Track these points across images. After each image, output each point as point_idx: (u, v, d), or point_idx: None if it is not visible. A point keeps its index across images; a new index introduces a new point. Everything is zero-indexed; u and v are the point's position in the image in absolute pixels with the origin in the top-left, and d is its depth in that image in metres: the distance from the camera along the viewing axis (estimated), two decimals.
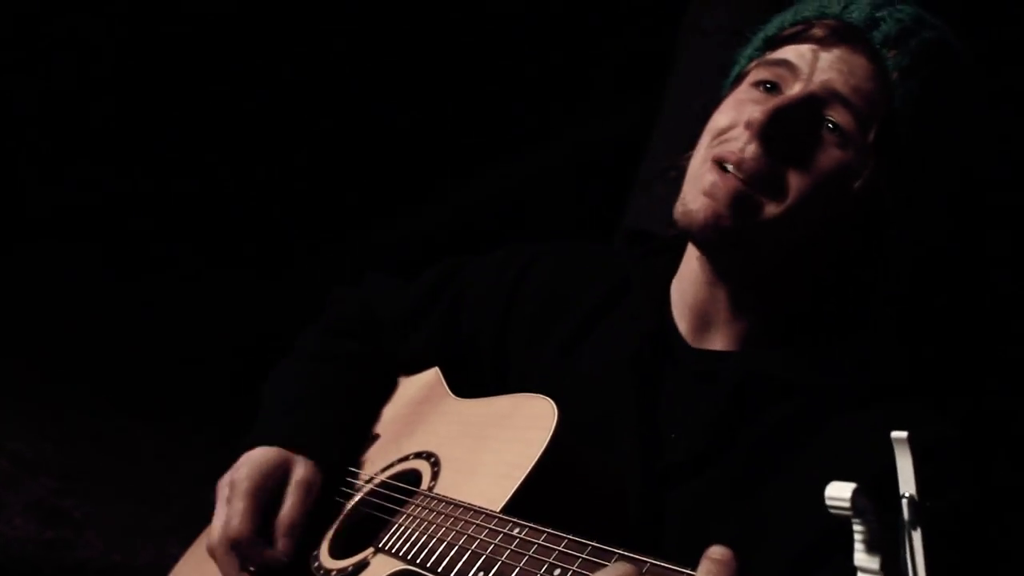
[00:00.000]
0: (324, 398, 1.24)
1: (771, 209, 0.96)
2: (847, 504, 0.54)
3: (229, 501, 1.10)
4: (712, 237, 0.97)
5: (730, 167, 0.96)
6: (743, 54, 1.09)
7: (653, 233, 1.12)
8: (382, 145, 3.80)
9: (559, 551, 0.74)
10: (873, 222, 0.99)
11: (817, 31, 0.99)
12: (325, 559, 1.04)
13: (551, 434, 0.91)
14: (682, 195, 1.00)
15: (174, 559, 1.33)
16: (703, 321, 1.07)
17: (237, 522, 1.08)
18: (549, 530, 0.77)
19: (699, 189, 0.97)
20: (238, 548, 1.07)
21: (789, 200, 0.95)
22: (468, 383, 1.19)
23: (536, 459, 0.89)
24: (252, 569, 1.08)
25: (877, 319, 1.06)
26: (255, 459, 1.14)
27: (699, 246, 1.02)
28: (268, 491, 1.11)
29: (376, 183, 3.78)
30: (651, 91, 2.84)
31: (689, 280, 1.09)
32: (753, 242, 0.97)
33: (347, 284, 1.46)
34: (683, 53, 2.69)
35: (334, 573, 0.99)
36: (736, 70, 1.09)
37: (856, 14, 0.98)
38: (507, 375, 1.20)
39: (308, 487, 1.12)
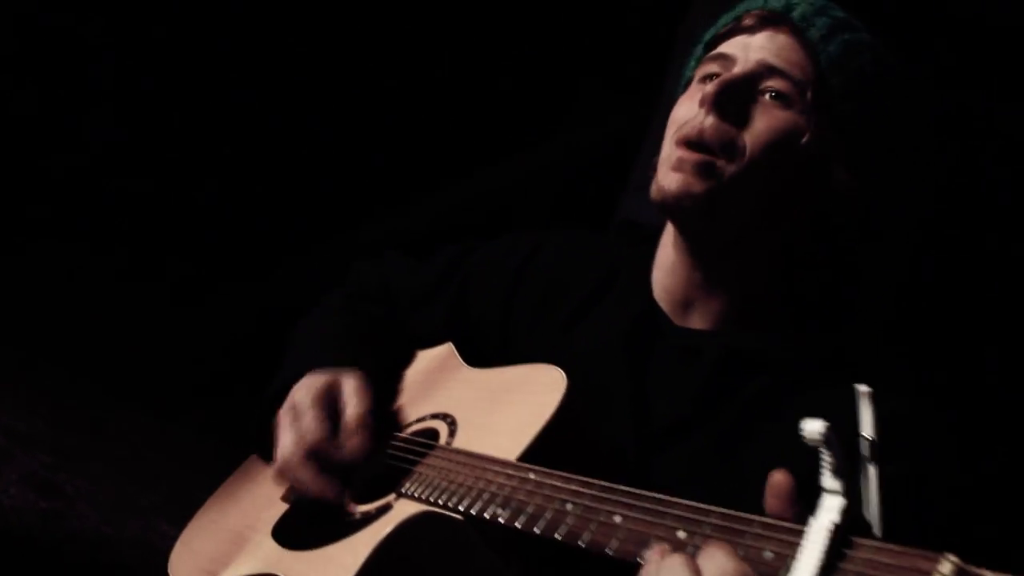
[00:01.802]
0: (357, 339, 1.35)
1: (732, 169, 1.10)
2: (819, 436, 0.66)
3: (296, 419, 1.18)
4: (685, 203, 1.11)
5: (693, 141, 1.10)
6: (689, 65, 1.26)
7: (640, 224, 1.25)
8: (371, 145, 3.86)
9: (569, 489, 0.85)
10: (824, 191, 1.13)
11: (746, 23, 1.16)
12: (348, 502, 1.15)
13: (562, 397, 1.02)
14: (656, 178, 1.15)
15: (162, 535, 1.39)
16: (683, 302, 1.20)
17: (312, 429, 1.15)
18: (561, 473, 0.88)
19: (668, 167, 1.12)
20: (316, 454, 1.14)
21: (747, 158, 1.10)
22: (477, 358, 1.31)
23: (548, 418, 1.00)
24: (329, 476, 1.13)
25: (844, 300, 1.19)
26: (308, 383, 1.22)
27: (673, 216, 1.16)
28: (329, 405, 1.19)
29: (365, 183, 3.83)
30: (645, 94, 2.96)
31: (666, 267, 1.23)
32: (720, 205, 1.11)
33: (367, 258, 1.58)
34: (679, 60, 2.80)
35: (358, 515, 1.09)
36: (685, 77, 1.26)
37: (775, 2, 1.16)
38: (510, 353, 1.31)
39: (365, 391, 1.20)
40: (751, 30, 1.15)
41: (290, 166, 4.02)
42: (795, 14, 1.13)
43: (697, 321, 1.20)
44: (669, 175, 1.11)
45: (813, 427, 0.67)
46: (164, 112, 3.95)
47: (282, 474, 1.17)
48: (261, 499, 1.34)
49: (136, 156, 4.03)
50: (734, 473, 1.04)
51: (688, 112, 1.14)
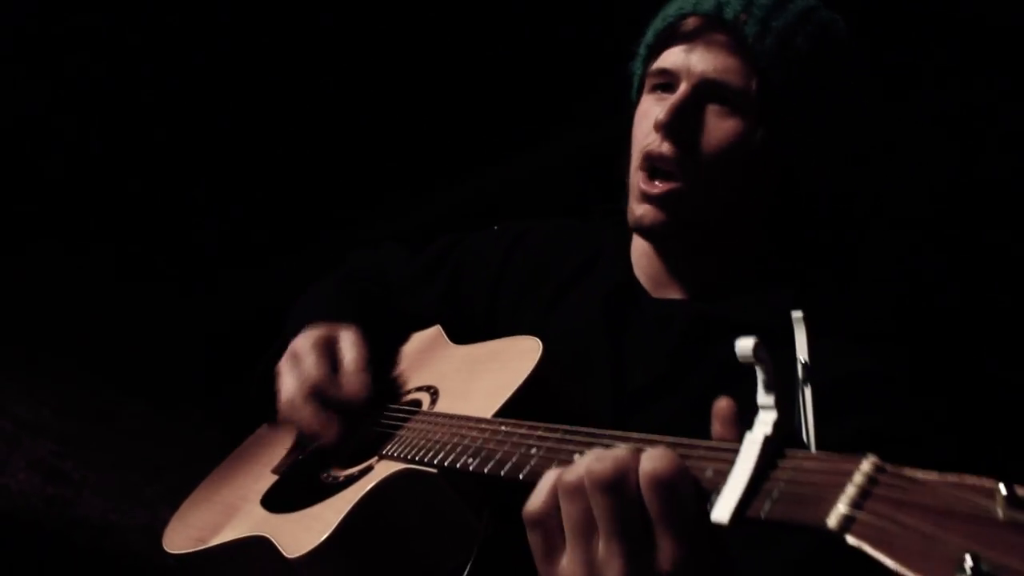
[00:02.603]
0: (352, 302, 1.40)
1: (693, 185, 1.16)
2: (750, 353, 0.69)
3: (296, 364, 1.21)
4: (656, 230, 1.20)
5: (657, 165, 1.18)
6: (635, 65, 1.31)
7: (622, 208, 1.30)
8: (367, 143, 3.89)
9: (535, 435, 0.89)
10: (783, 174, 1.19)
11: (682, 28, 1.20)
12: (334, 469, 1.19)
13: (536, 362, 1.06)
14: (629, 204, 1.22)
15: (166, 523, 1.44)
16: (660, 276, 1.27)
17: (312, 369, 1.19)
18: (529, 422, 0.92)
19: (637, 199, 1.20)
20: (317, 393, 1.17)
21: (706, 172, 1.16)
22: (466, 339, 1.35)
23: (523, 379, 1.04)
24: (331, 414, 1.17)
25: (813, 268, 1.24)
26: (306, 334, 1.26)
27: (649, 240, 1.24)
28: (328, 351, 1.23)
29: (368, 178, 3.87)
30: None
31: (641, 249, 1.30)
32: (688, 219, 1.19)
33: (365, 247, 1.63)
34: None
35: (342, 478, 1.13)
36: (636, 81, 1.31)
37: (706, 5, 1.19)
38: (497, 333, 1.35)
39: (362, 341, 1.24)
40: (689, 37, 1.19)
41: (292, 163, 4.07)
42: (726, 14, 1.17)
43: (673, 292, 1.27)
44: (640, 207, 1.20)
45: (745, 344, 0.70)
46: (170, 107, 4.00)
47: (286, 414, 1.20)
48: (253, 474, 1.38)
49: (137, 152, 4.08)
50: (706, 429, 1.07)
51: (645, 131, 1.21)
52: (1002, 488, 0.57)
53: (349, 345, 1.24)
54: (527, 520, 0.76)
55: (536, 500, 0.76)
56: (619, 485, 0.70)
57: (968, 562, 0.53)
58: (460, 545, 0.98)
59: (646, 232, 1.21)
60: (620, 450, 0.73)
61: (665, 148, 1.17)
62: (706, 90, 1.17)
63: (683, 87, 1.18)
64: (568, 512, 0.73)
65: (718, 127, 1.16)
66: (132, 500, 3.67)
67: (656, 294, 1.27)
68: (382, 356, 1.41)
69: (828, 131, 1.22)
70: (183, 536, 1.32)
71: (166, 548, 1.33)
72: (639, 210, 1.20)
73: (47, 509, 3.36)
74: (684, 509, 0.68)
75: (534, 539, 0.75)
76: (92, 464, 3.77)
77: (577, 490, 0.72)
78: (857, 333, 1.17)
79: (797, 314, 0.74)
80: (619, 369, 1.19)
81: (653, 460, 0.70)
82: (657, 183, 1.18)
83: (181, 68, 3.87)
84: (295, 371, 1.21)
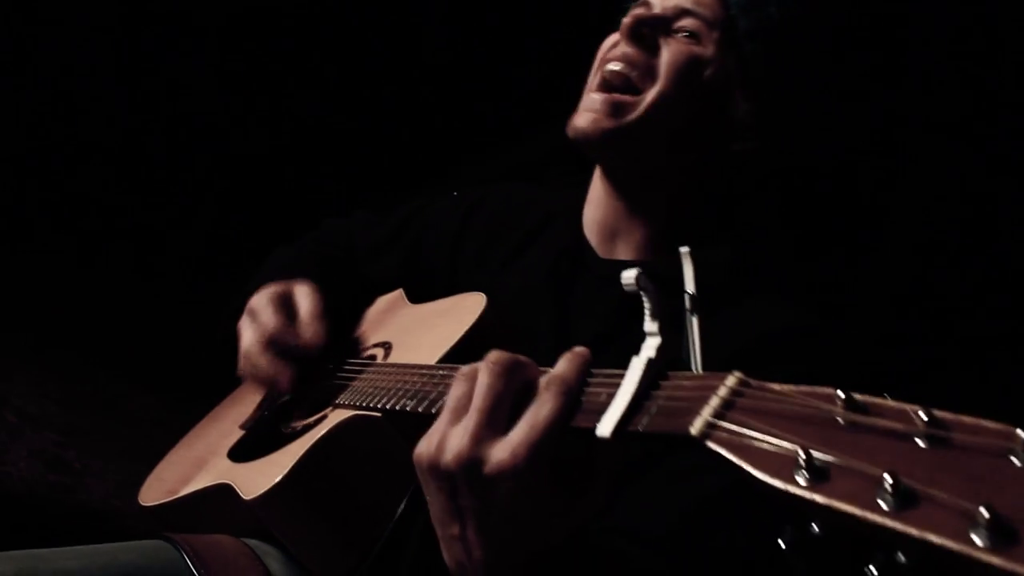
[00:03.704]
0: (310, 262, 1.48)
1: (642, 100, 1.21)
2: (634, 283, 0.76)
3: (254, 319, 1.28)
4: (594, 137, 1.22)
5: (611, 74, 1.22)
6: (622, 11, 1.35)
7: (573, 171, 1.36)
8: (370, 138, 3.96)
9: None
10: (728, 121, 1.25)
11: None
12: (294, 421, 1.26)
13: (479, 314, 1.13)
14: (572, 119, 1.26)
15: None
16: (609, 234, 1.31)
17: (269, 321, 1.25)
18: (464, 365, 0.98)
19: (584, 109, 1.24)
20: (274, 343, 1.24)
21: (657, 85, 1.21)
22: (427, 300, 1.42)
23: (465, 330, 1.11)
24: (287, 361, 1.23)
25: (756, 227, 1.30)
26: (262, 292, 1.32)
27: (588, 150, 1.26)
28: (284, 304, 1.29)
29: (364, 175, 3.94)
30: None
31: (595, 202, 1.33)
32: (631, 135, 1.22)
33: (336, 217, 1.71)
34: None
35: (299, 427, 1.21)
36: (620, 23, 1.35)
37: None
38: (456, 293, 1.42)
39: (317, 293, 1.30)
40: None
41: (288, 162, 4.14)
42: None
43: (621, 252, 1.32)
44: (583, 115, 1.24)
45: (628, 275, 0.76)
46: (176, 102, 4.07)
47: (244, 368, 1.27)
48: (222, 431, 1.46)
49: (144, 144, 4.16)
50: None
51: (609, 44, 1.28)
52: (840, 394, 0.63)
53: (303, 296, 1.30)
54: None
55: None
56: (512, 371, 0.75)
57: (801, 457, 0.60)
58: (403, 481, 1.05)
59: (583, 138, 1.23)
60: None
61: (627, 49, 1.24)
62: (676, 16, 1.25)
63: (656, 8, 1.26)
64: (453, 392, 0.77)
65: (678, 49, 1.23)
66: (133, 488, 3.74)
67: (605, 254, 1.33)
68: (344, 314, 1.49)
69: (778, 91, 1.27)
70: (156, 490, 1.40)
71: (141, 502, 1.41)
72: (580, 118, 1.23)
73: (49, 495, 3.44)
74: (555, 418, 0.71)
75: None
76: (93, 453, 3.85)
77: (468, 374, 0.78)
78: (790, 291, 1.23)
79: (684, 249, 0.81)
80: (564, 324, 1.26)
81: (561, 362, 0.75)
82: (605, 94, 1.23)
83: (181, 66, 3.95)
84: (253, 325, 1.28)
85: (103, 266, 4.36)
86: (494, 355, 0.77)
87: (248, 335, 1.27)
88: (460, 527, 0.75)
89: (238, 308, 1.38)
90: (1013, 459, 0.55)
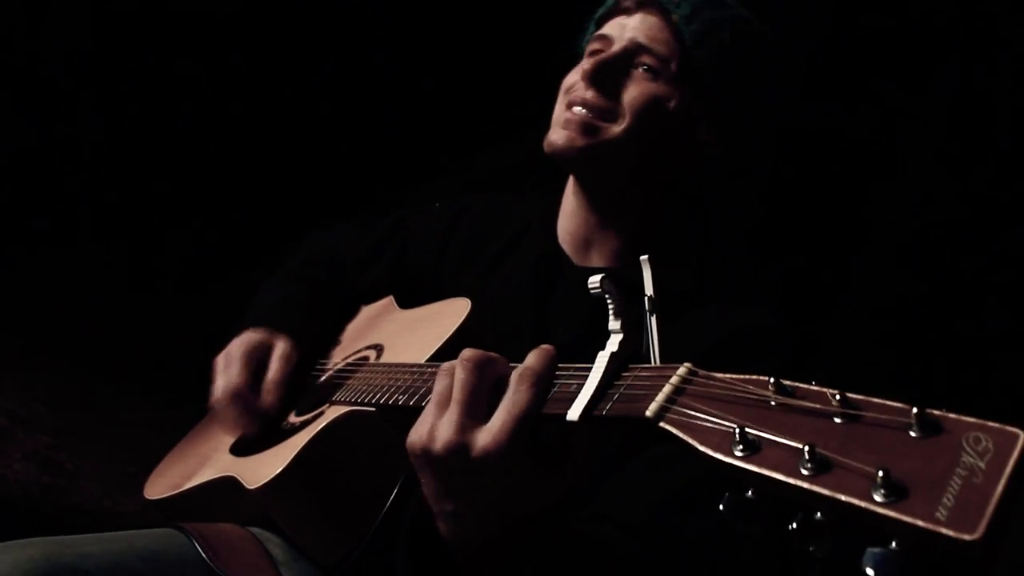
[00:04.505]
0: (299, 302, 1.58)
1: (611, 130, 1.31)
2: (598, 286, 0.87)
3: (226, 367, 1.41)
4: (569, 153, 1.32)
5: (576, 108, 1.31)
6: (584, 39, 1.46)
7: (549, 180, 1.46)
8: (366, 138, 4.02)
9: None
10: (691, 147, 1.34)
11: (624, 4, 1.38)
12: (292, 417, 1.36)
13: (464, 317, 1.24)
14: (547, 135, 1.35)
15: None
16: (583, 244, 1.41)
17: (235, 377, 1.38)
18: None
19: (558, 126, 1.34)
20: (237, 400, 1.37)
21: (623, 122, 1.31)
22: (413, 306, 1.52)
23: (451, 332, 1.22)
24: (248, 417, 1.36)
25: (722, 238, 1.41)
26: (244, 337, 1.45)
27: (563, 164, 1.36)
28: (256, 360, 1.42)
29: (357, 176, 4.00)
30: None
31: (568, 213, 1.43)
32: (601, 156, 1.32)
33: (322, 230, 1.81)
34: None
35: (298, 424, 1.31)
36: (580, 49, 1.46)
37: None
38: (441, 299, 1.52)
39: (288, 358, 1.43)
40: (628, 11, 1.37)
41: (281, 164, 4.20)
42: None
43: (596, 260, 1.42)
44: (557, 131, 1.34)
45: (594, 280, 0.88)
46: (164, 108, 4.12)
47: (213, 407, 1.41)
48: (223, 429, 1.55)
49: (135, 149, 4.21)
50: None
51: (573, 80, 1.37)
52: (771, 380, 0.74)
53: (276, 359, 1.42)
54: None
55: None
56: (484, 366, 0.86)
57: (738, 434, 0.71)
58: (395, 470, 1.15)
59: (559, 153, 1.31)
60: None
61: (588, 94, 1.32)
62: (634, 52, 1.32)
63: (614, 47, 1.34)
64: (436, 387, 0.89)
65: (638, 85, 1.31)
66: (125, 488, 3.80)
67: (580, 262, 1.42)
68: (336, 328, 1.59)
69: (735, 117, 1.37)
70: (160, 485, 1.49)
71: (146, 496, 1.50)
72: (554, 135, 1.32)
73: (44, 496, 3.51)
74: (529, 405, 0.82)
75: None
76: (85, 455, 3.91)
77: (447, 370, 0.89)
78: (752, 297, 1.34)
79: (643, 257, 0.92)
80: (544, 327, 1.36)
81: (529, 356, 0.86)
82: (577, 109, 1.32)
83: (180, 65, 3.98)
84: (223, 375, 1.41)
85: (90, 269, 4.41)
86: (467, 352, 0.88)
87: (219, 383, 1.40)
88: (453, 503, 0.87)
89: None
90: (911, 432, 0.66)
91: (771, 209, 1.93)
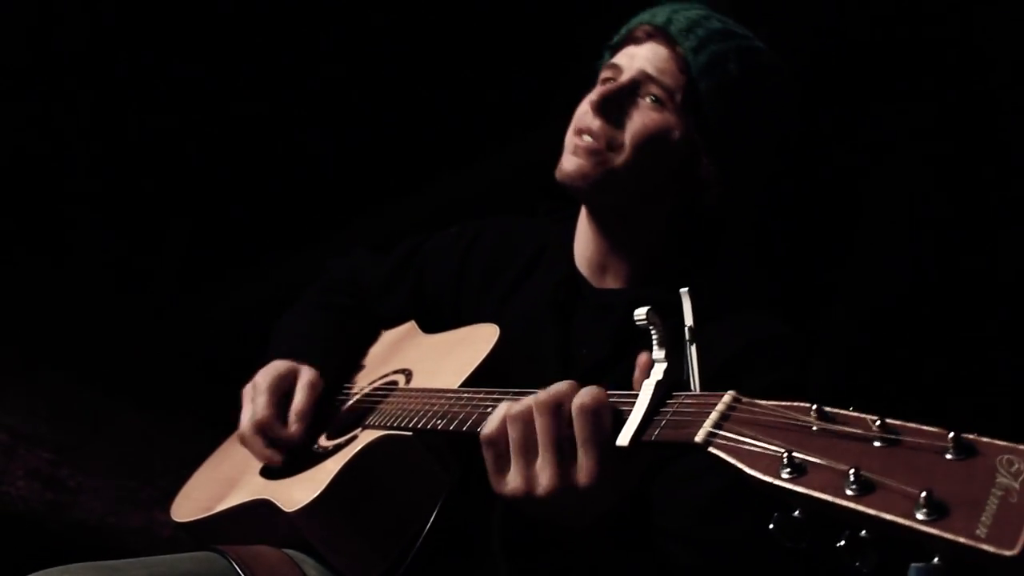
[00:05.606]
0: (323, 330, 1.61)
1: (617, 159, 1.36)
2: (644, 318, 0.92)
3: (253, 398, 1.45)
4: (579, 182, 1.37)
5: (584, 136, 1.37)
6: (599, 64, 1.51)
7: (562, 206, 1.51)
8: (363, 144, 4.03)
9: (491, 398, 1.10)
10: (694, 177, 1.39)
11: (637, 34, 1.42)
12: (323, 441, 1.39)
13: (495, 343, 1.28)
14: (559, 162, 1.40)
15: (162, 525, 1.65)
16: (599, 267, 1.46)
17: (261, 409, 1.42)
18: (486, 389, 1.13)
19: (568, 152, 1.39)
20: (262, 430, 1.41)
21: (627, 152, 1.36)
22: (434, 331, 1.56)
23: (483, 357, 1.26)
24: (274, 448, 1.41)
25: (730, 255, 1.46)
26: (270, 368, 1.49)
27: (573, 192, 1.41)
28: (282, 390, 1.46)
29: (357, 181, 4.00)
30: None
31: (582, 239, 1.49)
32: (610, 184, 1.37)
33: (340, 255, 1.85)
34: None
35: (331, 447, 1.34)
36: (597, 75, 1.50)
37: (659, 18, 1.41)
38: (462, 325, 1.56)
39: (313, 386, 1.47)
40: (639, 41, 1.41)
41: (278, 169, 4.20)
42: (672, 29, 1.38)
43: (611, 282, 1.46)
44: (568, 159, 1.38)
45: (639, 312, 0.94)
46: (159, 111, 4.10)
47: (241, 441, 1.45)
48: (247, 453, 1.58)
49: (124, 162, 4.20)
50: None
51: (582, 112, 1.41)
52: (814, 407, 0.79)
53: (300, 390, 1.46)
54: (483, 441, 0.98)
55: (490, 426, 0.98)
56: (556, 409, 0.93)
57: (785, 458, 0.75)
58: (432, 494, 1.19)
59: (570, 181, 1.36)
60: (561, 384, 0.96)
61: (595, 124, 1.36)
62: (641, 82, 1.36)
63: (622, 77, 1.39)
64: (513, 435, 0.95)
65: (643, 115, 1.36)
66: (128, 504, 3.81)
67: (597, 284, 1.47)
68: (360, 354, 1.64)
69: (735, 149, 1.40)
70: (189, 508, 1.52)
71: (175, 518, 1.52)
72: (566, 163, 1.37)
73: (48, 512, 3.51)
74: (603, 432, 0.91)
75: (488, 457, 0.98)
76: (86, 470, 3.91)
77: (521, 416, 0.95)
78: (764, 308, 1.39)
79: (684, 290, 0.98)
80: (567, 350, 1.40)
81: (584, 394, 0.93)
82: (585, 137, 1.37)
83: (181, 65, 3.97)
84: (249, 406, 1.45)
85: (89, 282, 4.39)
86: (542, 397, 0.96)
87: (245, 414, 1.45)
88: (561, 519, 0.98)
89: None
90: (947, 455, 0.71)
91: (771, 212, 1.97)
